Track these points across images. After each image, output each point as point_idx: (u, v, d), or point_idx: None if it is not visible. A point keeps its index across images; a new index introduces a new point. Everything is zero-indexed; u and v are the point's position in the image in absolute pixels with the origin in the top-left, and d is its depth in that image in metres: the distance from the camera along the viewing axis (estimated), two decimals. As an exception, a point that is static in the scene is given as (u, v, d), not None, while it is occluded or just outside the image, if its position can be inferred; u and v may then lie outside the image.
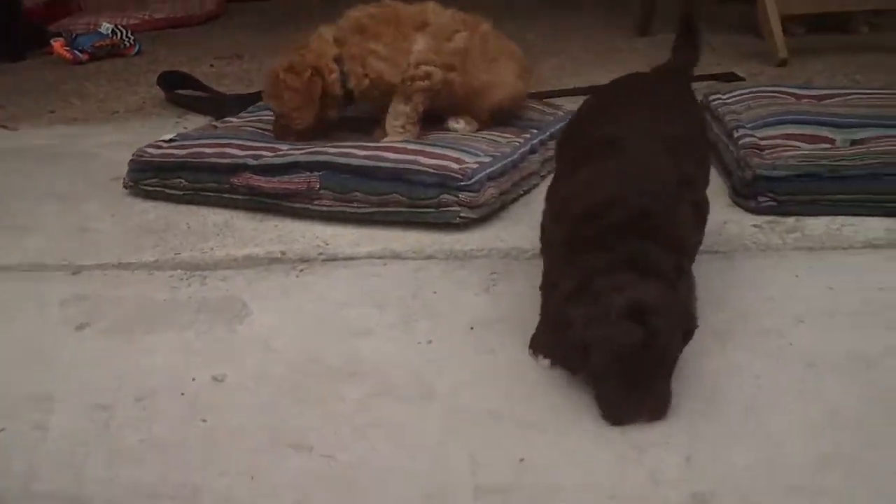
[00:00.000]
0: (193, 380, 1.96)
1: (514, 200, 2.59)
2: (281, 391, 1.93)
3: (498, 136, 2.79)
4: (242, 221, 2.58)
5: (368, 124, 2.90)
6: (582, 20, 5.17)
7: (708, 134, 2.47)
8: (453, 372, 1.94)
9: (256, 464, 1.77)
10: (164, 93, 3.90)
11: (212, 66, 4.57)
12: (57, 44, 4.86)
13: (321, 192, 2.52)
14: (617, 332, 1.70)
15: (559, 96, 3.34)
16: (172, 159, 2.73)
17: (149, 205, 2.73)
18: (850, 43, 4.37)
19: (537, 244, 2.08)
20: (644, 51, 4.34)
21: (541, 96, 3.24)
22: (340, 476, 1.74)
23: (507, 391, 1.87)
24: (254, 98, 3.28)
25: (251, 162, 2.62)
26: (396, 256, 2.34)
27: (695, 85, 2.43)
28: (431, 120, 2.88)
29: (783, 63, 3.93)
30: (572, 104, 2.41)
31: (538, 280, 2.01)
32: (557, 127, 2.75)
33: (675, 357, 1.76)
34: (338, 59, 2.80)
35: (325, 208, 2.52)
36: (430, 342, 2.03)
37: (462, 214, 2.42)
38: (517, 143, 2.71)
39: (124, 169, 2.80)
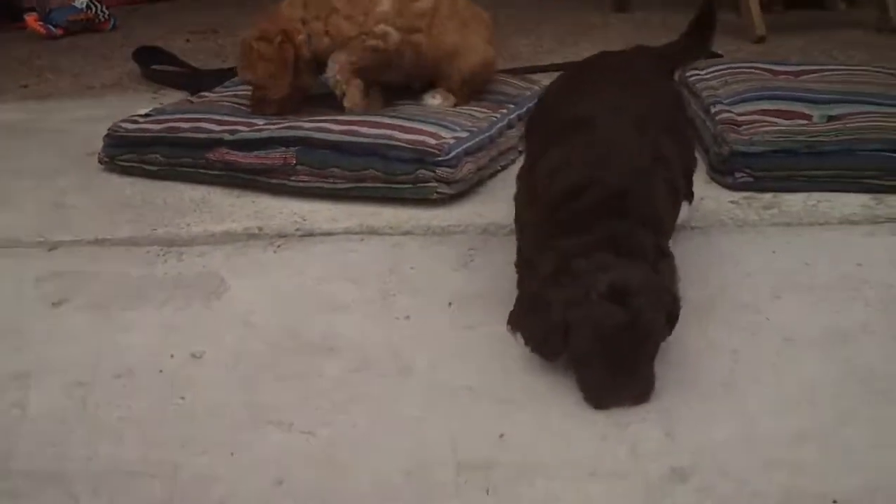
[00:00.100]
0: (172, 356, 1.96)
1: (492, 176, 2.58)
2: (259, 367, 1.93)
3: (475, 110, 2.77)
4: (219, 197, 2.55)
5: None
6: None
7: (686, 111, 2.46)
8: (432, 347, 1.94)
9: (236, 440, 1.78)
10: (140, 68, 3.87)
11: (187, 40, 4.53)
12: (30, 18, 4.79)
13: (298, 167, 2.50)
14: (598, 314, 1.68)
15: (537, 72, 3.33)
16: (148, 134, 2.71)
17: (125, 180, 2.70)
18: (827, 19, 4.38)
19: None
20: (618, 27, 4.33)
21: (518, 72, 3.23)
22: (320, 452, 1.74)
23: (485, 367, 1.87)
24: (230, 73, 3.25)
25: (227, 137, 2.60)
26: (374, 232, 2.33)
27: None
28: (407, 94, 2.87)
29: (761, 40, 3.93)
30: (550, 80, 2.40)
31: (515, 256, 2.01)
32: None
33: (658, 340, 1.75)
34: (304, 21, 2.80)
35: (301, 184, 2.51)
36: (408, 317, 2.03)
37: (439, 190, 2.41)
38: (494, 118, 2.70)
39: (99, 144, 2.76)
